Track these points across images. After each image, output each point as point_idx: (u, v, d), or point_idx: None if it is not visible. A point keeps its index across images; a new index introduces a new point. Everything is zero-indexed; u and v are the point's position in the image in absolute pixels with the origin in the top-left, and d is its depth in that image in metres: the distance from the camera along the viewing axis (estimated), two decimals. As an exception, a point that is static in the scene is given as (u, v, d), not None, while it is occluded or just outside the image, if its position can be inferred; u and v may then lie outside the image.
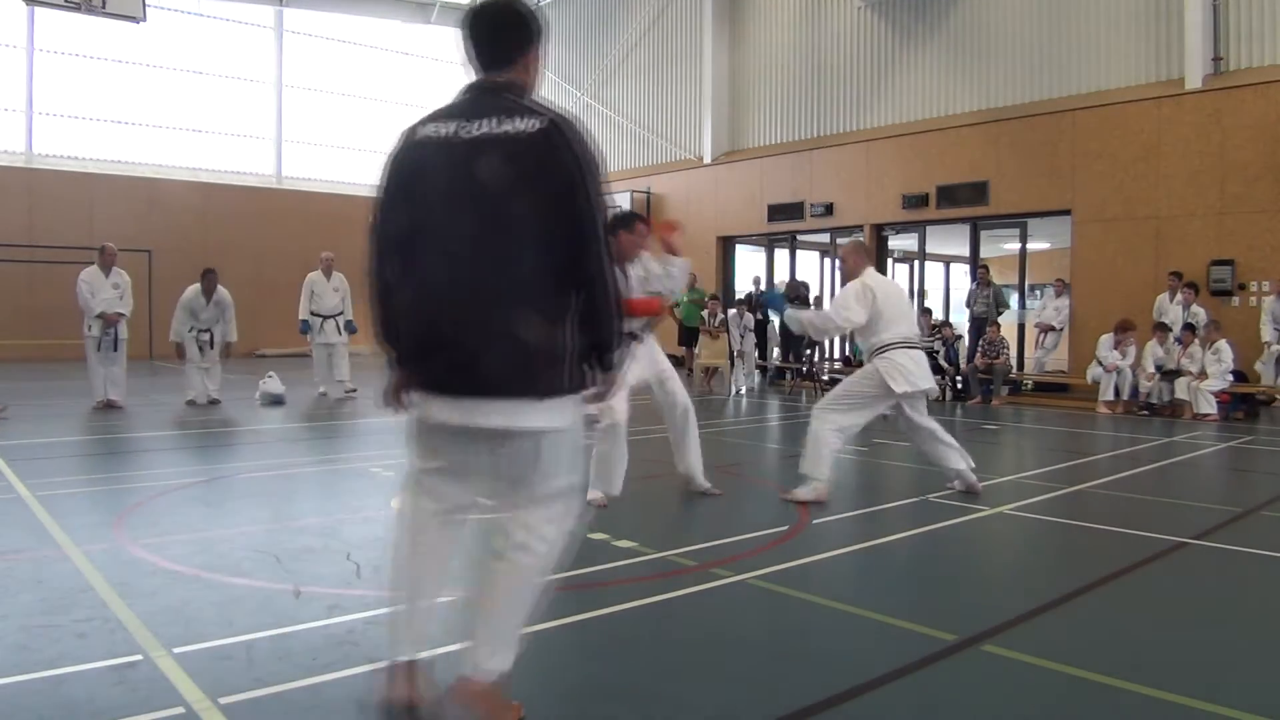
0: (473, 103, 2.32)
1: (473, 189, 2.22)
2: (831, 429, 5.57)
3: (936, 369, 13.05)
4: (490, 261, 2.22)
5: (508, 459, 2.35)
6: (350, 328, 12.04)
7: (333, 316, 11.82)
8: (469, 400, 2.25)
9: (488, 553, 2.41)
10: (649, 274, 5.18)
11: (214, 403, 10.48)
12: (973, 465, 5.78)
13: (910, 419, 5.71)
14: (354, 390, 11.69)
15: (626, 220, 5.23)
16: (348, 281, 12.12)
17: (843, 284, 5.86)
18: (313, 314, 11.80)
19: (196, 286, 10.72)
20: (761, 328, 14.71)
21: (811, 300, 15.35)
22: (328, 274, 11.93)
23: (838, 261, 6.03)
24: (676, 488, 5.74)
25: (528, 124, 2.22)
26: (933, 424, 5.73)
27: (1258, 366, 11.17)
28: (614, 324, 2.31)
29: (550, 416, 2.28)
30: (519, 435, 2.28)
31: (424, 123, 2.36)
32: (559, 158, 2.21)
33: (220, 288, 10.80)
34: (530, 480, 2.35)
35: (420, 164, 2.31)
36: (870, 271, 5.76)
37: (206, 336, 10.72)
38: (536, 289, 2.23)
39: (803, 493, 5.45)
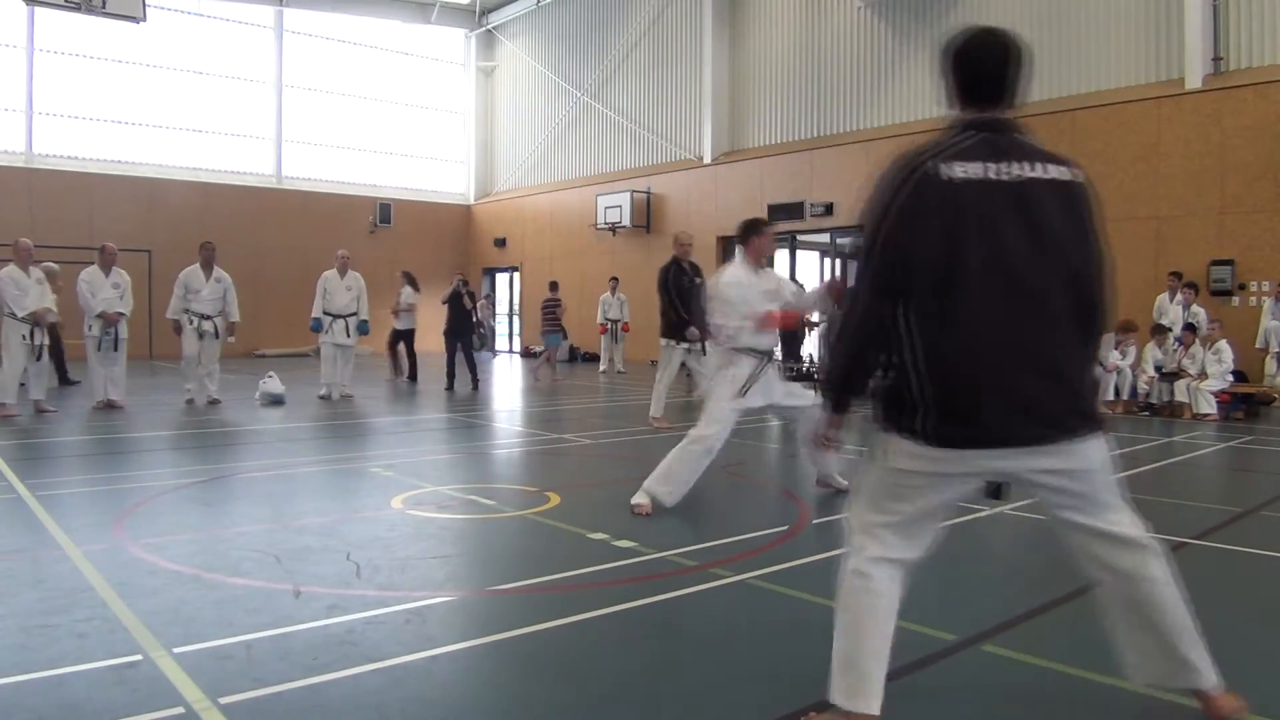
0: (997, 144, 2.27)
1: (1033, 234, 2.22)
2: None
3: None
4: (1061, 307, 2.26)
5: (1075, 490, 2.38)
6: (363, 329, 11.96)
7: (344, 316, 11.74)
8: (1036, 448, 2.27)
9: (1127, 586, 2.40)
10: (781, 288, 5.30)
11: (214, 403, 10.47)
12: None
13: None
14: (350, 395, 11.67)
15: (755, 226, 5.41)
16: (363, 280, 12.08)
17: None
18: (324, 313, 11.75)
19: (195, 265, 10.69)
20: None
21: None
22: (342, 272, 11.85)
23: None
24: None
25: (1062, 172, 2.29)
26: None
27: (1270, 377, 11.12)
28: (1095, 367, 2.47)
29: (1101, 447, 2.37)
30: (1082, 474, 2.34)
31: (943, 160, 2.24)
32: (1092, 207, 2.32)
33: (218, 268, 10.74)
34: (1105, 500, 2.41)
35: (960, 205, 2.21)
36: None
37: (209, 325, 10.60)
38: (1083, 333, 2.31)
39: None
